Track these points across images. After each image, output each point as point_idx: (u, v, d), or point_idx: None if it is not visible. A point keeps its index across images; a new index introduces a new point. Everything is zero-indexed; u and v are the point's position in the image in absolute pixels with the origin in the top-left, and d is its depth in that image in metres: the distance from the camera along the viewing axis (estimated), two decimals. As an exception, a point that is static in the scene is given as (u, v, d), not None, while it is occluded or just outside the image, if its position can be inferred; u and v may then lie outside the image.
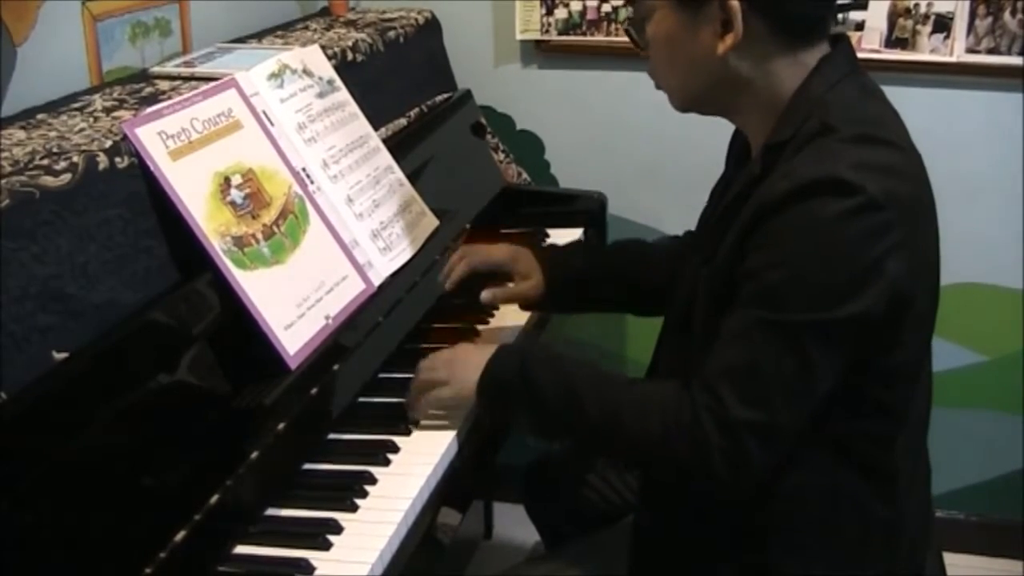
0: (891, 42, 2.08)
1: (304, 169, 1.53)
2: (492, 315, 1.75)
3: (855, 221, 1.10)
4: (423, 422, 1.42)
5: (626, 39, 1.34)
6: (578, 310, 1.76)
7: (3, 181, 1.14)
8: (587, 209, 2.15)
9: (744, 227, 1.16)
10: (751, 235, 1.15)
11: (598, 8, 2.20)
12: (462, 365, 1.37)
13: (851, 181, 1.10)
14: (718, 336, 1.18)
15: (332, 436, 1.40)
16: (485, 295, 1.61)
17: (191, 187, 1.31)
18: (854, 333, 1.14)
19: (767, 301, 1.13)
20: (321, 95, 1.66)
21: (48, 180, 1.17)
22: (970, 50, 2.05)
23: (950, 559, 1.42)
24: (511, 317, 1.72)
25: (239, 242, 1.34)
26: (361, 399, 1.48)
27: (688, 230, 1.59)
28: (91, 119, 1.40)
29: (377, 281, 1.57)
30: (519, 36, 2.26)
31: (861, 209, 1.10)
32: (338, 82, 1.72)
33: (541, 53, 2.28)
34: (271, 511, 1.25)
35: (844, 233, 1.10)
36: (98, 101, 1.50)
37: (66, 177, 1.19)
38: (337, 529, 1.22)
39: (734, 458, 1.14)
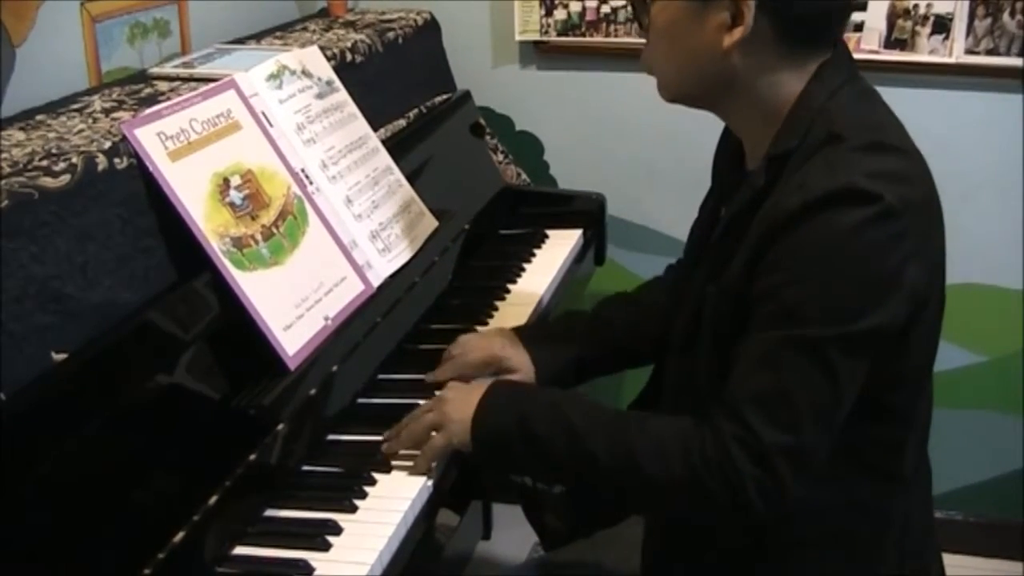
0: (890, 43, 2.08)
1: (303, 170, 1.53)
2: (492, 316, 1.74)
3: (874, 230, 1.08)
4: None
5: (626, 40, 1.33)
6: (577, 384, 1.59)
7: (2, 182, 1.14)
8: (586, 209, 2.15)
9: (756, 244, 1.14)
10: (764, 252, 1.13)
11: (597, 9, 2.20)
12: (454, 404, 1.30)
13: (869, 190, 1.08)
14: (729, 358, 1.15)
15: (331, 437, 1.40)
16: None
17: (190, 188, 1.31)
18: (877, 344, 1.12)
19: (790, 320, 1.11)
20: (320, 96, 1.65)
21: (47, 181, 1.17)
22: (969, 51, 2.05)
23: (950, 559, 1.41)
24: (511, 318, 1.72)
25: (238, 243, 1.34)
26: (360, 400, 1.47)
27: (670, 264, 1.57)
28: (90, 120, 1.40)
29: (376, 282, 1.57)
30: (518, 37, 2.26)
31: (879, 218, 1.08)
32: (337, 83, 1.71)
33: (540, 54, 2.28)
34: (270, 512, 1.25)
35: (864, 243, 1.09)
36: (97, 102, 1.50)
37: (65, 178, 1.19)
38: (336, 530, 1.21)
39: (768, 486, 1.11)
